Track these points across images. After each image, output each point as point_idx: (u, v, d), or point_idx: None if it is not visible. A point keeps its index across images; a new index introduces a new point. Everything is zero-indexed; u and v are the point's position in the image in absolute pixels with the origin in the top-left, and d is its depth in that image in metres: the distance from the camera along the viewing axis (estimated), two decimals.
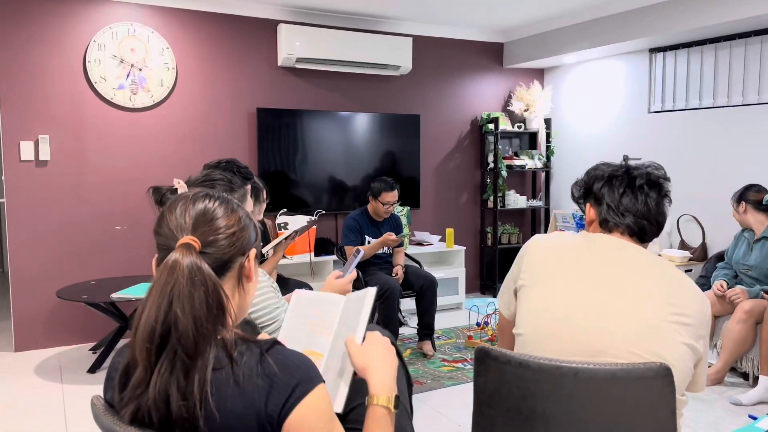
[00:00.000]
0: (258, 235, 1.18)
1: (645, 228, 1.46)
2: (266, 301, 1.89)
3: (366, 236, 4.13)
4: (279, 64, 4.75)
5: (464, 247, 5.37)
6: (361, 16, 5.01)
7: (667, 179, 1.53)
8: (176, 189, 1.79)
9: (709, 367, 3.57)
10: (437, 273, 5.05)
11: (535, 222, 6.11)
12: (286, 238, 3.26)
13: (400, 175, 5.29)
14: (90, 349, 4.16)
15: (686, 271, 4.33)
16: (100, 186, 4.28)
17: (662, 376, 1.18)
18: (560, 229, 5.64)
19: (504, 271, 5.83)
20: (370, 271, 4.03)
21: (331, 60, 4.80)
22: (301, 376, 1.04)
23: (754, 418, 1.81)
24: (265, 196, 3.32)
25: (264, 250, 3.33)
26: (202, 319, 0.99)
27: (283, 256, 4.42)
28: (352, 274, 1.93)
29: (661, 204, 1.48)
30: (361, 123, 5.10)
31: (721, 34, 4.38)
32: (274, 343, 1.10)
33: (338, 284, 1.88)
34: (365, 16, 5.02)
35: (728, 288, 3.50)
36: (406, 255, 4.63)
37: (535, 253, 1.52)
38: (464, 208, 5.80)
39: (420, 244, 5.33)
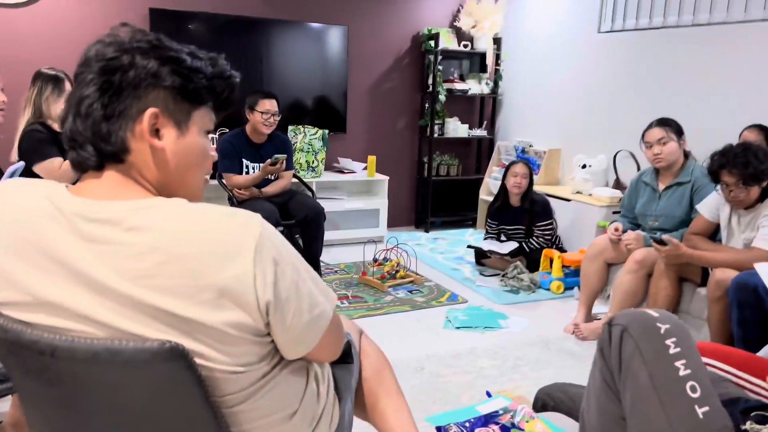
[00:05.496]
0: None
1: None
2: None
3: (244, 161, 3.72)
4: None
5: (387, 177, 4.91)
6: None
7: None
8: None
9: (599, 319, 3.22)
10: (357, 203, 4.68)
11: (480, 153, 5.62)
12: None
13: (323, 96, 4.82)
14: None
15: (614, 212, 3.88)
16: None
17: (167, 359, 0.81)
18: (503, 163, 5.16)
19: (439, 206, 5.43)
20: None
21: None
22: None
23: (490, 395, 1.47)
24: (67, 86, 2.85)
25: None
26: None
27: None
28: None
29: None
30: (277, 33, 4.58)
31: None
32: None
33: None
34: None
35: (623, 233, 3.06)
36: (301, 181, 4.22)
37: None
38: (401, 135, 5.33)
39: (341, 171, 4.92)
